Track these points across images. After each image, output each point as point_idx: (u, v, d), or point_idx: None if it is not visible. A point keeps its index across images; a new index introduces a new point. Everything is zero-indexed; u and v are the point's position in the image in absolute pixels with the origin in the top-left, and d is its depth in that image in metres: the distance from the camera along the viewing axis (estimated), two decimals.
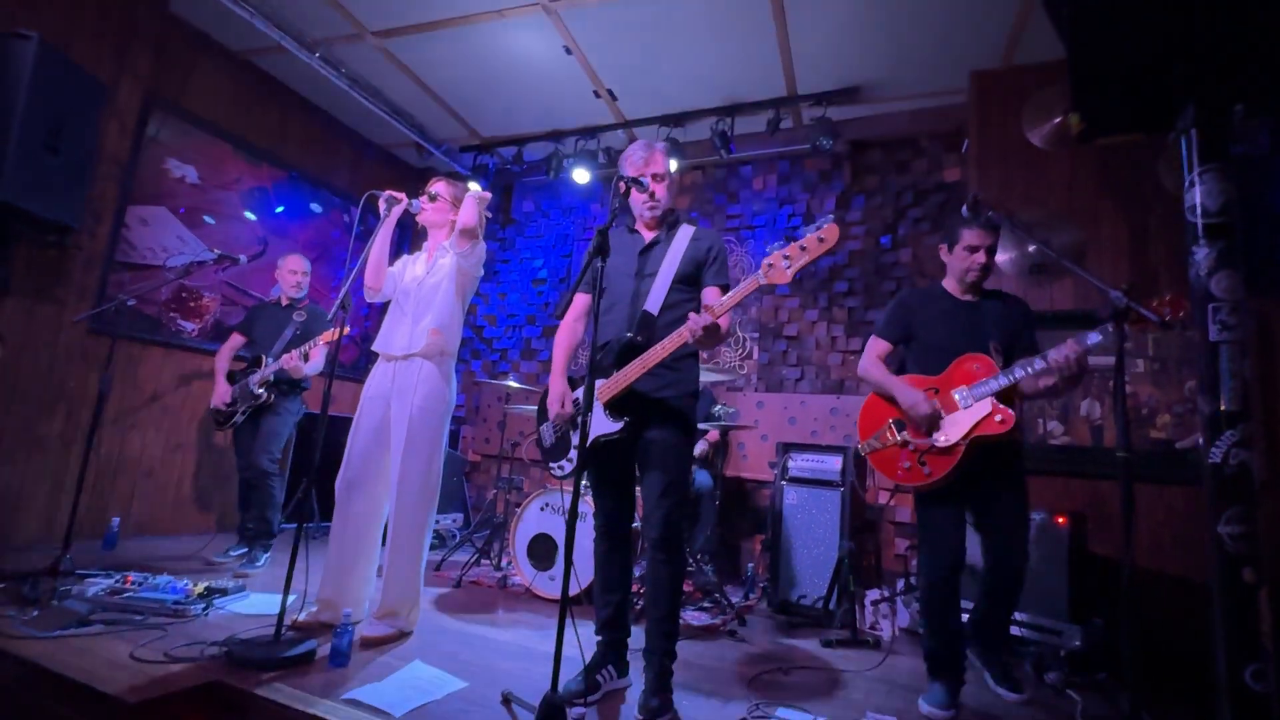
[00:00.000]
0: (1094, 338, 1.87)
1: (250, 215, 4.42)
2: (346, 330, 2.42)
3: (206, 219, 4.16)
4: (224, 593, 2.61)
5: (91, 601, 2.33)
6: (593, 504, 2.21)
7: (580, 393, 2.05)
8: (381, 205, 2.50)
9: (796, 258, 1.76)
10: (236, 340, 3.60)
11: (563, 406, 2.11)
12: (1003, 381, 2.06)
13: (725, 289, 2.08)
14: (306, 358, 3.31)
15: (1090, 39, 1.23)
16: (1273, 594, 1.05)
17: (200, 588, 2.55)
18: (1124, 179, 3.24)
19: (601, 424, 2.00)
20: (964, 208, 2.19)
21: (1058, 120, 3.19)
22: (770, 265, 1.80)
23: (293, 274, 3.63)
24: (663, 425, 2.02)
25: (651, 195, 2.12)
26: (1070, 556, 2.63)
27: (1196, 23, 1.11)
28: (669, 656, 2.01)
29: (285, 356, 3.30)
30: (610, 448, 2.04)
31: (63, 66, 2.98)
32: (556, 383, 2.15)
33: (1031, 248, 3.25)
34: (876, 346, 2.39)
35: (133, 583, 2.51)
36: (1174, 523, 2.83)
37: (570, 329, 2.24)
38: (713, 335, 1.92)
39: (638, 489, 2.19)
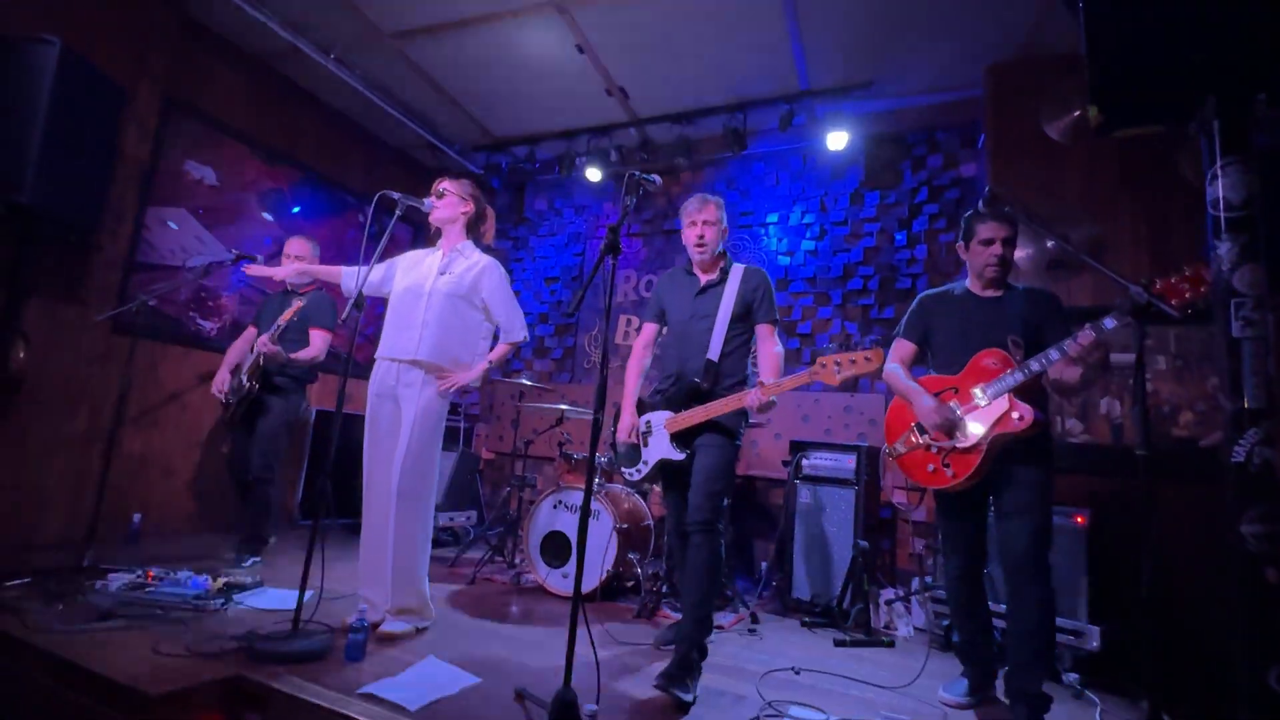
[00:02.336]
0: (1110, 323, 1.80)
1: (267, 216, 4.47)
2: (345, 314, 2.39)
3: (224, 220, 4.22)
4: (243, 588, 2.65)
5: (114, 597, 2.37)
6: (664, 508, 2.60)
7: (647, 416, 2.46)
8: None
9: (845, 367, 2.08)
10: (250, 333, 3.54)
11: (630, 436, 2.48)
12: (1018, 377, 1.99)
13: (774, 324, 2.42)
14: (276, 338, 3.19)
15: (1109, 31, 1.21)
16: None
17: (219, 583, 2.59)
18: (1142, 171, 3.18)
19: (667, 450, 2.37)
20: (980, 202, 2.14)
21: (1075, 113, 3.13)
22: (823, 365, 2.12)
23: (286, 258, 3.51)
24: (712, 433, 2.31)
25: (700, 239, 2.42)
26: (1089, 556, 2.60)
27: (1215, 13, 1.09)
28: (696, 648, 2.13)
29: (259, 340, 3.19)
30: (673, 465, 2.38)
31: (84, 71, 3.03)
32: (626, 415, 2.50)
33: (1050, 243, 3.20)
34: (899, 349, 2.36)
35: (154, 578, 2.56)
36: (1196, 522, 2.78)
37: (639, 358, 2.60)
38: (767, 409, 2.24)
39: None
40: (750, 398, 2.17)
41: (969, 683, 2.23)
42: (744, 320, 2.41)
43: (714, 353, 2.36)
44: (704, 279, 2.48)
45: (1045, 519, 2.03)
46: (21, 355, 3.15)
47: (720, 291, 2.42)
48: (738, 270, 2.47)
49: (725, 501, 2.30)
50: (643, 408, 2.52)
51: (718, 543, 2.23)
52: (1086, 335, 1.86)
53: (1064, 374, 1.98)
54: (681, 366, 2.41)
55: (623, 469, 2.57)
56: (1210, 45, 1.16)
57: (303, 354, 3.36)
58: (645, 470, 2.46)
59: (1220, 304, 1.07)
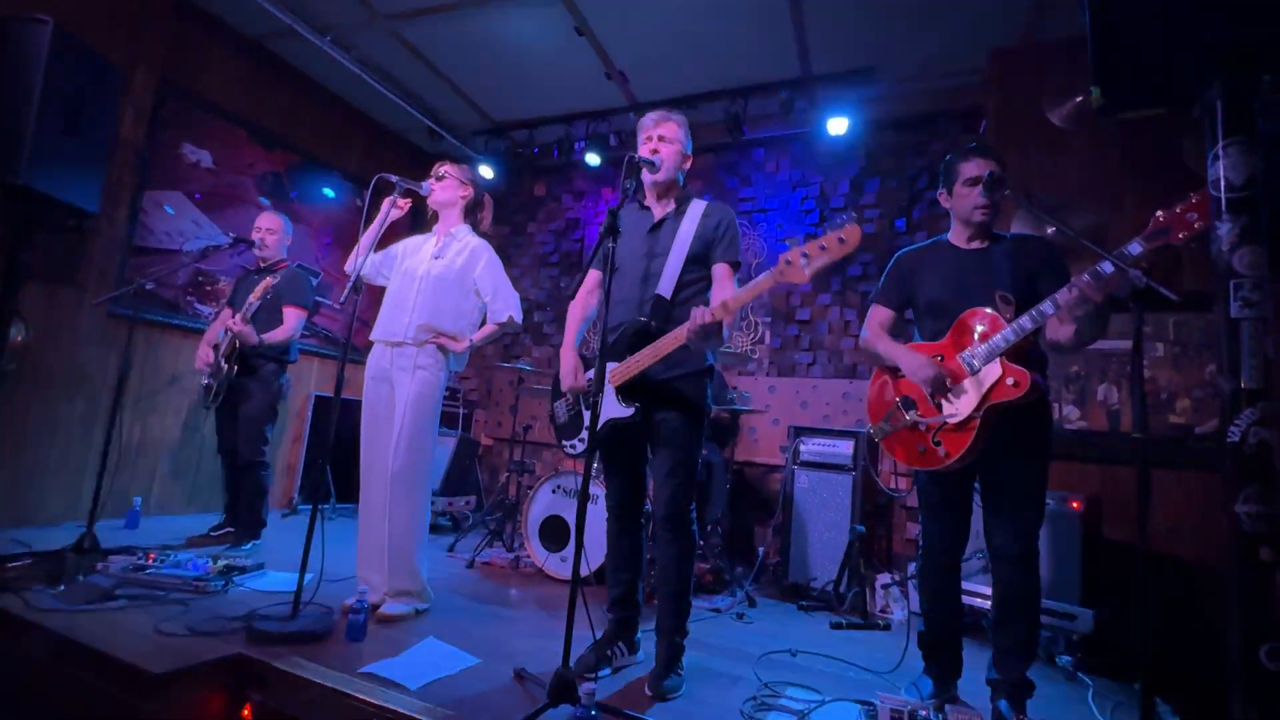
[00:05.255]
0: (1107, 267, 1.63)
1: (264, 200, 4.45)
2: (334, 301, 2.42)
3: (221, 204, 4.19)
4: (243, 570, 2.67)
5: (116, 577, 2.38)
6: (604, 484, 2.26)
7: (593, 372, 1.99)
8: (386, 203, 2.54)
9: (815, 257, 1.70)
10: (226, 314, 3.44)
11: (575, 378, 2.15)
12: (1009, 336, 1.77)
13: (735, 265, 2.08)
14: (248, 317, 3.15)
15: (1112, 11, 1.20)
16: None
17: (219, 565, 2.60)
18: (1145, 158, 3.17)
19: (614, 408, 2.01)
20: (980, 188, 2.07)
21: (1078, 99, 3.12)
22: (788, 263, 1.73)
23: (257, 231, 3.44)
24: (672, 406, 2.03)
25: (654, 154, 2.10)
26: (1084, 541, 2.62)
27: None
28: (680, 634, 2.05)
29: (231, 320, 3.14)
30: (621, 430, 2.05)
31: (79, 52, 2.99)
32: (568, 356, 2.19)
33: (1050, 229, 3.20)
34: (876, 315, 2.12)
35: (155, 559, 2.57)
36: (1191, 509, 2.80)
37: (583, 302, 2.27)
38: (711, 335, 1.84)
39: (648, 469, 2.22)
40: (696, 313, 1.82)
41: (934, 684, 2.03)
42: (703, 261, 2.09)
43: (666, 289, 2.04)
44: (659, 213, 2.16)
45: (1039, 514, 1.88)
46: (20, 338, 3.14)
47: (676, 226, 2.11)
48: (699, 205, 2.15)
49: (693, 488, 2.06)
50: (586, 365, 2.18)
51: (689, 533, 2.05)
52: (1081, 282, 1.66)
53: (1058, 332, 1.81)
54: (629, 312, 2.08)
55: (562, 442, 2.25)
56: (1215, 27, 1.15)
57: (275, 334, 3.27)
58: (587, 442, 2.00)
59: (1220, 285, 1.07)
